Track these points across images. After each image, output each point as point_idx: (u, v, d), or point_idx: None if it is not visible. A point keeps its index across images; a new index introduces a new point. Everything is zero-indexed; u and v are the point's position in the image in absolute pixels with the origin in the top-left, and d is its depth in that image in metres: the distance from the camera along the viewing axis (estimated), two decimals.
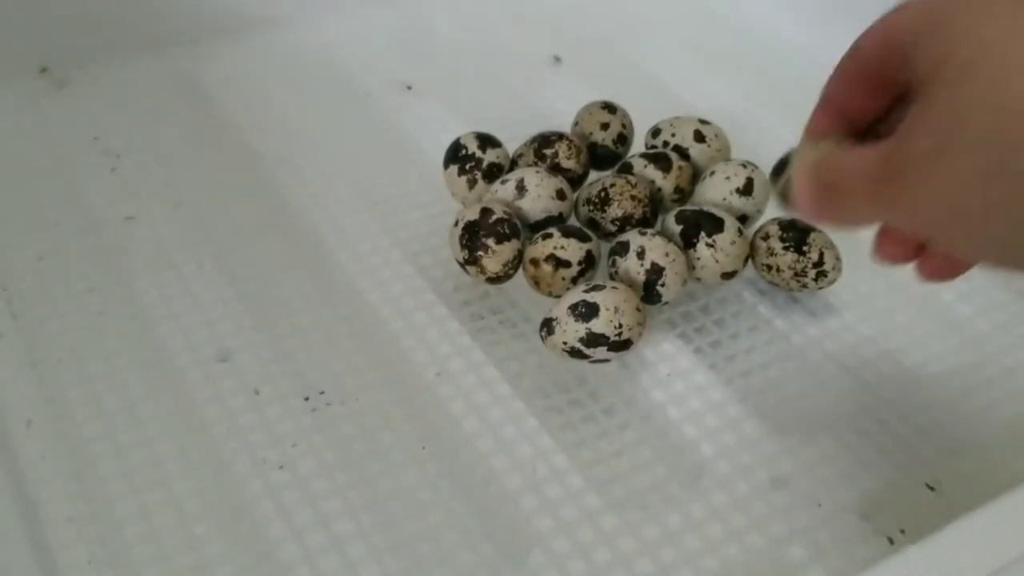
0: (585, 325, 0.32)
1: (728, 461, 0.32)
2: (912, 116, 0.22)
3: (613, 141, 0.40)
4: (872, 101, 0.26)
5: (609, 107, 0.41)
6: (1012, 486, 0.32)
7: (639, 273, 0.34)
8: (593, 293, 0.32)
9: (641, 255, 0.34)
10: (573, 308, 0.32)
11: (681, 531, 0.30)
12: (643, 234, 0.34)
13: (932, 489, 0.31)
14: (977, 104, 0.21)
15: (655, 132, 0.40)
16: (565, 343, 0.33)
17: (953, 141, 0.21)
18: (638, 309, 0.33)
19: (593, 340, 0.32)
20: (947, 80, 0.21)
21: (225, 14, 0.50)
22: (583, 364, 0.34)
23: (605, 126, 0.40)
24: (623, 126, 0.40)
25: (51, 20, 0.47)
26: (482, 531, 0.30)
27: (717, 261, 0.35)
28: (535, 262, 0.34)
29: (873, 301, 0.38)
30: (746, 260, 0.36)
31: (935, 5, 0.22)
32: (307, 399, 0.33)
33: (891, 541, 0.30)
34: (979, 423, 0.33)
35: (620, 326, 0.32)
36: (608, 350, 0.33)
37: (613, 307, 0.32)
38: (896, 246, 0.28)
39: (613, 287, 0.33)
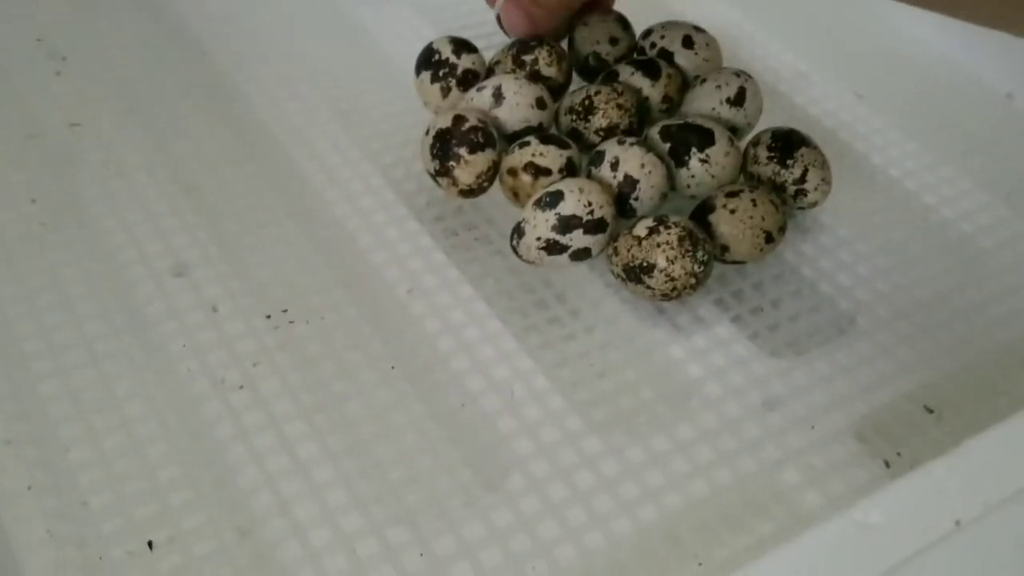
0: (553, 211, 0.30)
1: (718, 382, 0.30)
2: None
3: (616, 59, 0.37)
4: None
5: (623, 21, 0.38)
6: (1012, 410, 0.30)
7: (612, 185, 0.32)
8: (555, 186, 0.31)
9: (615, 166, 0.32)
10: (537, 202, 0.31)
11: (668, 454, 0.28)
12: (621, 143, 0.32)
13: (931, 411, 0.30)
14: None
15: (646, 33, 0.38)
16: (539, 238, 0.31)
17: None
18: (603, 192, 0.31)
19: (566, 224, 0.30)
20: None
21: None
22: (563, 280, 0.32)
23: (615, 41, 0.37)
24: (628, 49, 0.38)
25: None
26: (458, 454, 0.28)
27: (713, 176, 0.33)
28: (513, 172, 0.32)
29: (870, 218, 0.36)
30: (740, 171, 0.34)
31: None
32: (269, 317, 0.31)
33: (887, 464, 0.28)
34: (980, 344, 0.32)
35: (590, 204, 0.30)
36: (585, 233, 0.30)
37: (577, 188, 0.30)
38: None
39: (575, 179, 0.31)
